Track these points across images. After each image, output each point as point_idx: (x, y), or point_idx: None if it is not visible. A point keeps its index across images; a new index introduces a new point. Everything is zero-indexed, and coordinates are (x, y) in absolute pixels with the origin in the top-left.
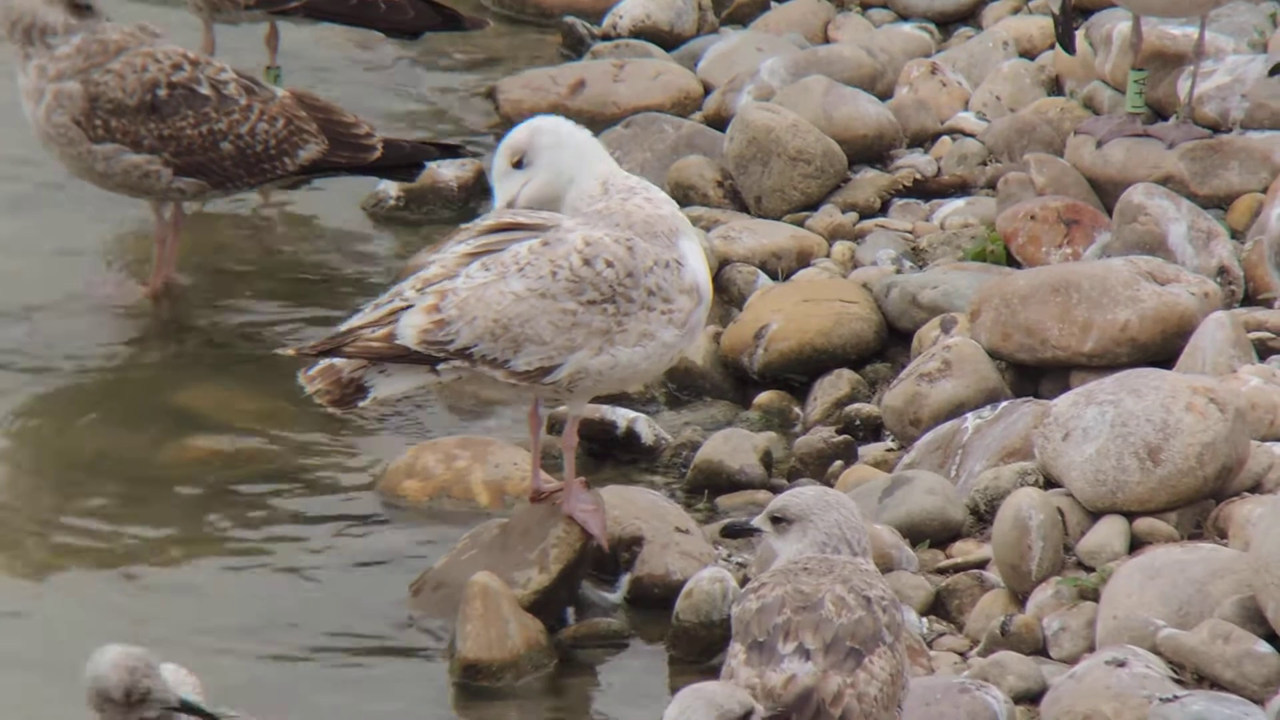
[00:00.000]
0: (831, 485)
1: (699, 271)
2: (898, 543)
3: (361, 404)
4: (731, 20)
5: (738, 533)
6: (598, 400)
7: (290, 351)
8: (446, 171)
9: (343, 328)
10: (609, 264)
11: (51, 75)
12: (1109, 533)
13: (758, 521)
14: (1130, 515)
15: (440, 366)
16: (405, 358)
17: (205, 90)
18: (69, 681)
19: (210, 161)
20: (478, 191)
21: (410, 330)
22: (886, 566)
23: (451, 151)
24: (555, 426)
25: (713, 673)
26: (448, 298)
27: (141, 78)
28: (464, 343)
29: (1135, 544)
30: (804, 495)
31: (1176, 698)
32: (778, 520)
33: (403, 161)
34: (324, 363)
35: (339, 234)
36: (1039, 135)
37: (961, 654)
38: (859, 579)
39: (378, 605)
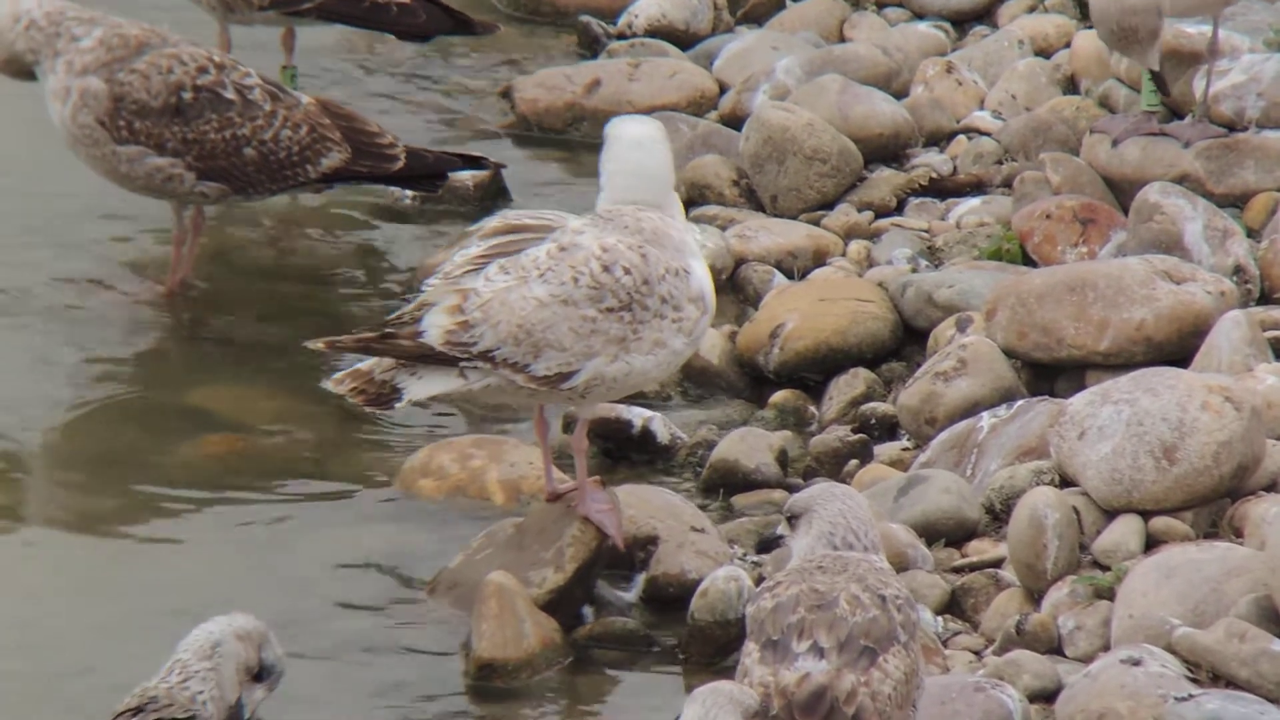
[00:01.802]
0: (847, 484)
1: (705, 282)
2: (913, 541)
3: (398, 405)
4: (747, 19)
5: (770, 545)
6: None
7: (320, 344)
8: (463, 171)
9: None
10: (627, 271)
11: (77, 69)
12: (1124, 531)
13: (781, 529)
14: (1146, 514)
15: (463, 365)
16: (430, 358)
17: (230, 94)
18: (82, 679)
19: (233, 166)
20: (494, 191)
21: (435, 330)
22: (902, 565)
23: (475, 163)
24: (569, 426)
25: (728, 672)
26: (470, 298)
27: (167, 80)
28: (487, 345)
29: (1151, 543)
30: (809, 490)
31: (1192, 696)
32: (790, 519)
33: (425, 172)
34: (349, 366)
35: (356, 233)
36: (1055, 134)
37: (977, 653)
38: (874, 578)
39: (393, 604)
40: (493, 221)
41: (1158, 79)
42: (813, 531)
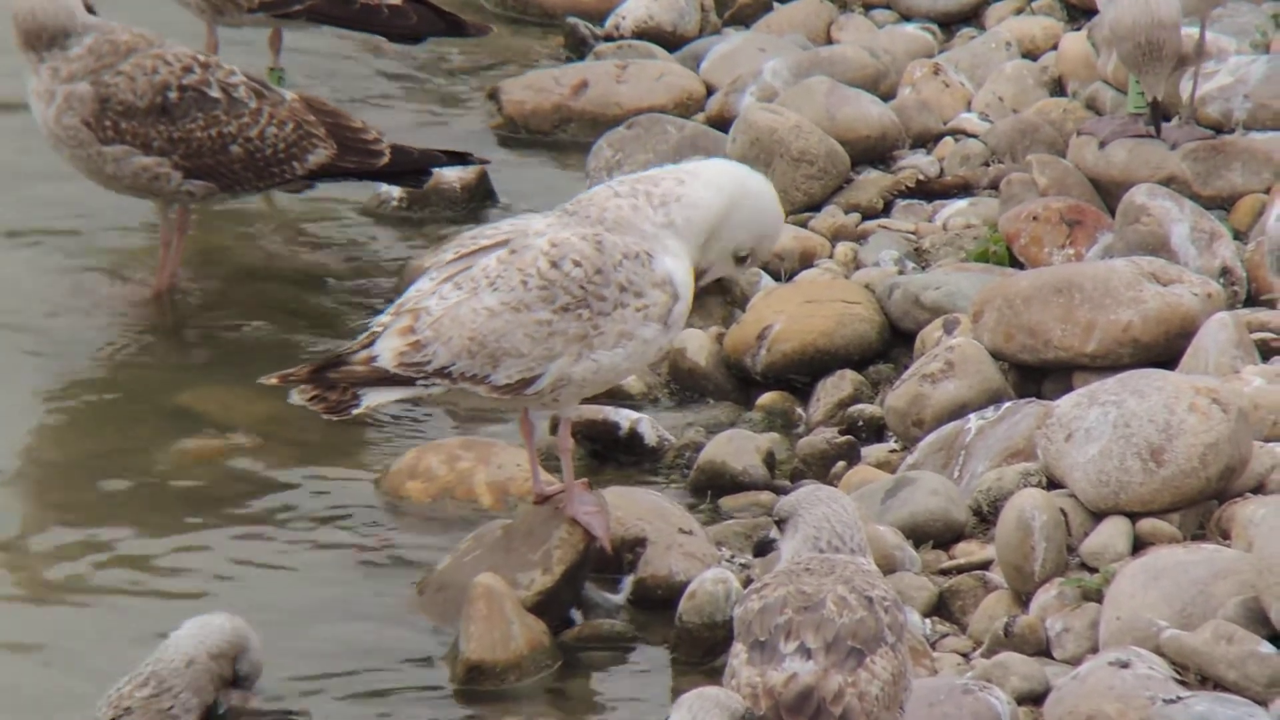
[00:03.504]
0: (834, 486)
1: (674, 267)
2: (901, 543)
3: (355, 411)
4: (734, 21)
5: (766, 548)
6: (600, 401)
7: (274, 380)
8: (450, 173)
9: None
10: (576, 264)
11: (64, 76)
12: (1112, 533)
13: (773, 532)
14: (1133, 516)
15: (420, 384)
16: (386, 380)
17: (215, 93)
18: (69, 678)
19: (220, 164)
20: (480, 193)
21: (388, 353)
22: (889, 567)
23: (459, 159)
24: (554, 428)
25: (716, 674)
26: (421, 318)
27: (152, 80)
28: (441, 363)
29: (1138, 545)
30: (795, 493)
31: (1180, 699)
32: (779, 523)
33: (410, 168)
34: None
35: (342, 235)
36: (1041, 136)
37: (965, 655)
38: (861, 579)
39: (381, 607)
40: (447, 254)
41: (1155, 109)
42: (798, 535)
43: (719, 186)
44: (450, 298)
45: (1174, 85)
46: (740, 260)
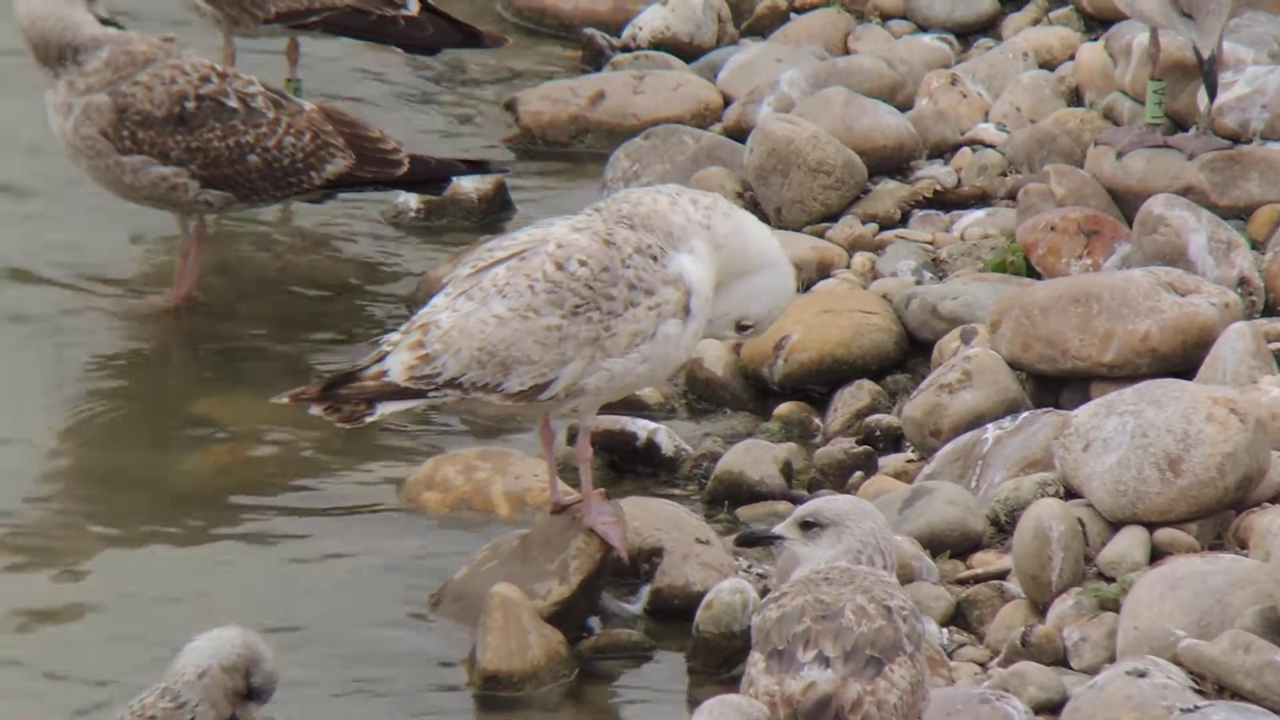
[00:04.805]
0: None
1: (690, 267)
2: (918, 553)
3: (369, 419)
4: (751, 32)
5: (753, 541)
6: (617, 411)
7: (285, 399)
8: (467, 183)
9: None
10: (581, 263)
11: (81, 89)
12: (1129, 543)
13: (782, 529)
14: (1151, 526)
15: (432, 395)
16: (398, 394)
17: (233, 103)
18: (86, 690)
19: (237, 174)
20: (498, 203)
21: (398, 368)
22: (907, 577)
23: (478, 167)
24: (573, 438)
25: (733, 684)
26: (430, 331)
27: (170, 90)
28: (451, 374)
29: (1156, 554)
30: (838, 501)
31: (1197, 708)
32: (809, 525)
33: (428, 177)
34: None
35: (360, 245)
36: (1059, 146)
37: (982, 665)
38: (880, 589)
39: (398, 616)
40: (464, 269)
41: (1211, 71)
42: (840, 545)
43: (770, 241)
44: (462, 309)
45: (1191, 96)
46: (742, 329)
